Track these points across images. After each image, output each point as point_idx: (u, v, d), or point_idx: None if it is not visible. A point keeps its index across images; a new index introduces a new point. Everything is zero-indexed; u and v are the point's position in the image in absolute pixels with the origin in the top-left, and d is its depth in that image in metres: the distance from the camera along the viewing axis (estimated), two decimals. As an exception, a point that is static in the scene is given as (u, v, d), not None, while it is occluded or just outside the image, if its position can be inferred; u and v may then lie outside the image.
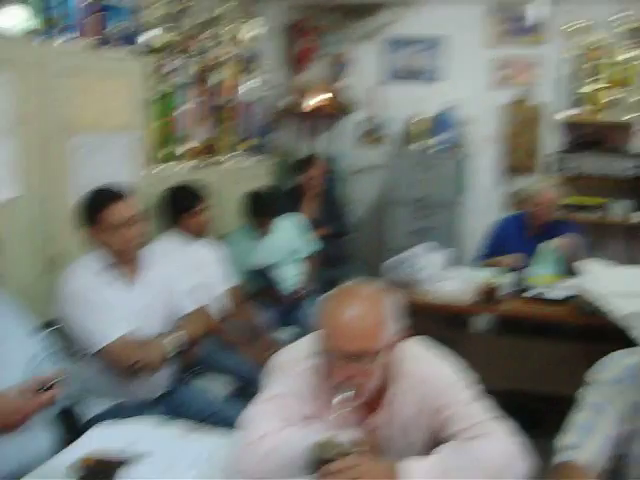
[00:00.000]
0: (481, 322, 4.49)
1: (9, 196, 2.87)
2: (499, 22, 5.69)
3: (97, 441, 2.01)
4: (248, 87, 5.46)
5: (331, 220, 5.22)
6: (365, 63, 6.06)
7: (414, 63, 5.96)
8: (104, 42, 3.58)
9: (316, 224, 4.94)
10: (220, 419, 2.62)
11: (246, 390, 3.31)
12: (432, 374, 1.96)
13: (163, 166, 4.26)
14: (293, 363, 1.99)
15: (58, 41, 3.26)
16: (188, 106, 4.60)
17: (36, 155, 3.03)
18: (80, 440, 2.13)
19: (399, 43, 5.96)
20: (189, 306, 2.96)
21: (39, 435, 2.19)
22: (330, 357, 1.83)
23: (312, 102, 5.99)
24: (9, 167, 2.88)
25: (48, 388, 2.13)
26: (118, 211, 2.69)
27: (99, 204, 2.70)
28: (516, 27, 5.65)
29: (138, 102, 3.78)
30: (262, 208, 4.35)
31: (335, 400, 1.82)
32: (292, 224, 4.58)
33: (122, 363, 2.63)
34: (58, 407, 2.34)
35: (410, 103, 5.85)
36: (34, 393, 2.10)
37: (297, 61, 6.15)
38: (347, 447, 1.76)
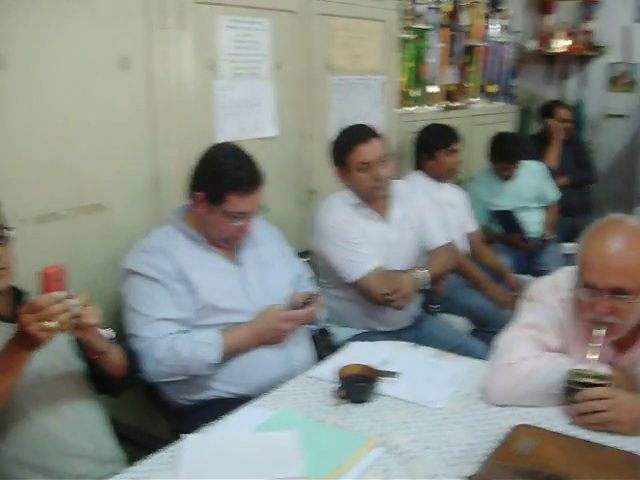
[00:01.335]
0: None
1: (271, 134, 3.11)
2: None
3: (353, 357, 2.13)
4: (494, 30, 5.37)
5: (576, 168, 5.04)
6: (617, 1, 5.68)
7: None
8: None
9: (559, 172, 4.80)
10: (465, 352, 2.64)
11: (485, 330, 3.35)
12: None
13: (412, 108, 4.38)
14: (548, 293, 1.99)
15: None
16: (437, 49, 4.64)
17: (295, 95, 3.24)
18: (336, 355, 2.29)
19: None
20: (440, 239, 3.02)
21: (298, 348, 2.38)
22: (587, 292, 1.79)
23: (559, 45, 5.76)
24: (271, 107, 3.11)
25: (308, 305, 2.32)
26: (364, 152, 2.77)
27: (347, 145, 2.81)
28: None
29: (391, 44, 3.88)
30: (506, 152, 4.29)
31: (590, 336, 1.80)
32: (536, 170, 4.48)
33: (376, 293, 2.73)
34: (315, 326, 2.54)
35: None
36: (295, 309, 2.31)
37: (544, 2, 5.91)
38: (605, 377, 1.76)
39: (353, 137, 2.81)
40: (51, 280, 1.59)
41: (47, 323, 1.57)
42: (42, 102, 2.30)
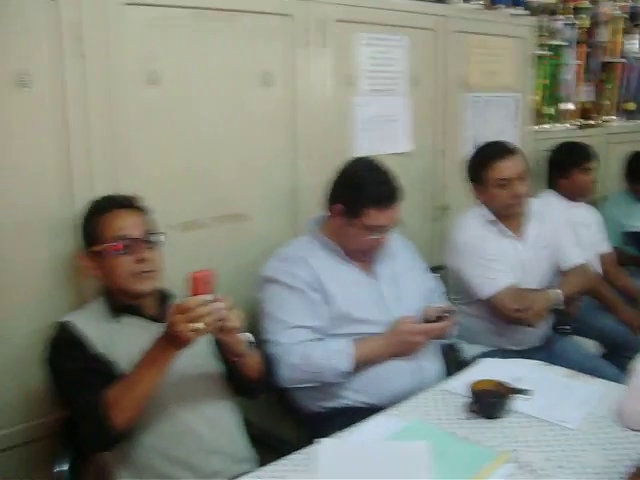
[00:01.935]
0: None
1: (406, 149, 3.15)
2: None
3: (484, 373, 2.14)
4: (633, 46, 5.21)
5: None
6: None
7: None
8: (494, 1, 3.67)
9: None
10: (596, 375, 2.59)
11: (616, 354, 3.25)
12: None
13: (546, 126, 4.32)
14: None
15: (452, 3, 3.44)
16: (572, 66, 4.56)
17: (430, 112, 3.28)
18: (468, 370, 2.30)
19: None
20: (574, 259, 2.96)
21: (428, 362, 2.40)
22: None
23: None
24: (406, 123, 3.16)
25: (439, 320, 2.33)
26: (504, 168, 2.76)
27: (486, 160, 2.80)
28: None
29: (526, 61, 3.84)
30: (642, 172, 4.15)
31: None
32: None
33: (509, 310, 2.70)
34: (446, 341, 2.55)
35: None
36: (427, 323, 2.32)
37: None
38: None
39: (492, 153, 2.81)
40: (200, 283, 1.68)
41: (194, 324, 1.66)
42: (190, 117, 2.44)
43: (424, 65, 3.24)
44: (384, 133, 3.06)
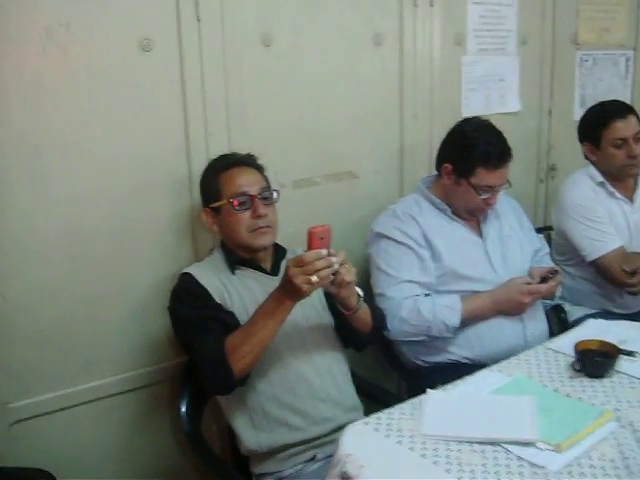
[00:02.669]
0: None
1: (514, 109, 3.14)
2: None
3: (590, 333, 2.13)
4: None
5: None
6: None
7: None
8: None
9: None
10: None
11: None
12: None
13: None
14: None
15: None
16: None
17: (538, 71, 3.24)
18: (573, 330, 2.30)
19: None
20: None
21: (534, 322, 2.43)
22: None
23: None
24: (514, 82, 3.14)
25: (547, 280, 2.34)
26: (621, 128, 2.72)
27: (603, 120, 2.75)
28: None
29: (638, 16, 3.73)
30: None
31: None
32: None
33: (616, 274, 2.68)
34: (550, 302, 2.56)
35: None
36: (537, 283, 2.34)
37: None
38: None
39: (610, 112, 2.76)
40: (316, 238, 1.75)
41: (311, 277, 1.74)
42: (302, 77, 2.51)
43: (533, 23, 3.20)
44: (491, 93, 3.05)
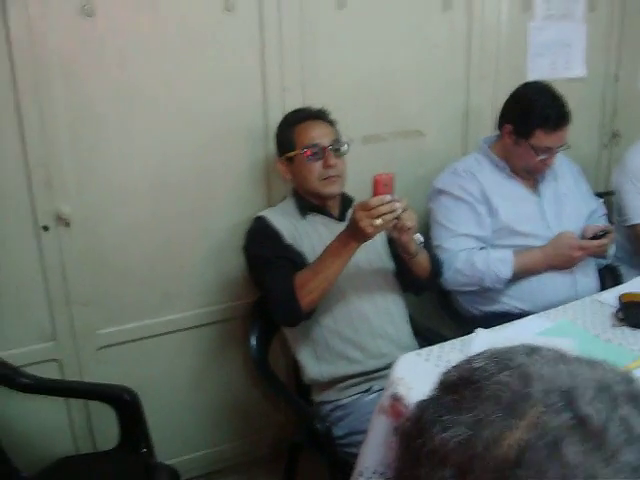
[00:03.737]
0: None
1: (580, 74, 3.20)
2: None
3: (635, 288, 2.24)
4: None
5: None
6: None
7: None
8: None
9: None
10: None
11: None
12: None
13: None
14: None
15: None
16: None
17: (606, 37, 3.27)
18: (620, 286, 2.41)
19: None
20: None
21: (584, 277, 2.54)
22: None
23: None
24: (581, 48, 3.18)
25: (600, 237, 2.45)
26: None
27: None
28: None
29: None
30: None
31: None
32: None
33: None
34: (604, 260, 2.66)
35: None
36: (588, 239, 2.45)
37: None
38: None
39: None
40: (381, 185, 1.91)
41: (375, 221, 1.90)
42: (374, 38, 2.64)
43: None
44: (558, 58, 3.11)
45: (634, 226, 2.79)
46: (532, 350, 0.62)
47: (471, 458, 0.53)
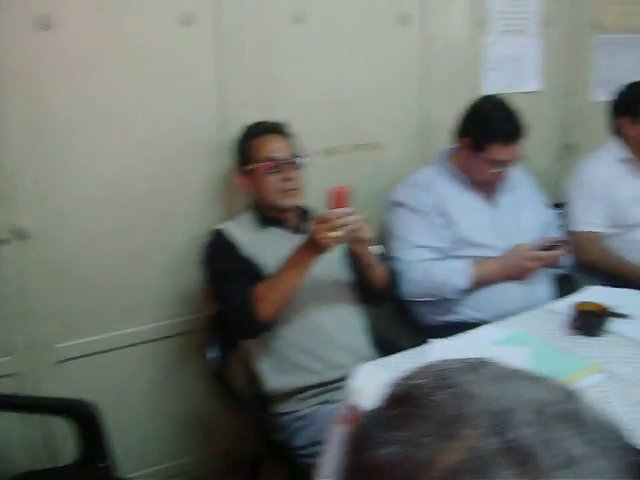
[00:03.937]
0: None
1: (533, 88, 3.27)
2: None
3: (590, 297, 2.27)
4: None
5: None
6: None
7: None
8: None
9: None
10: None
11: None
12: None
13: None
14: None
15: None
16: None
17: (561, 53, 3.35)
18: (575, 294, 2.45)
19: None
20: None
21: (540, 287, 2.58)
22: None
23: None
24: (535, 63, 3.26)
25: (555, 248, 2.50)
26: None
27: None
28: None
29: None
30: None
31: None
32: None
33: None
34: (560, 270, 2.71)
35: None
36: (541, 251, 2.49)
37: None
38: None
39: None
40: (339, 198, 1.95)
41: (334, 233, 1.92)
42: (331, 51, 2.68)
43: (558, 6, 3.29)
44: (513, 72, 3.18)
45: (574, 233, 2.84)
46: (476, 367, 0.60)
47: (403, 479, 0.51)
